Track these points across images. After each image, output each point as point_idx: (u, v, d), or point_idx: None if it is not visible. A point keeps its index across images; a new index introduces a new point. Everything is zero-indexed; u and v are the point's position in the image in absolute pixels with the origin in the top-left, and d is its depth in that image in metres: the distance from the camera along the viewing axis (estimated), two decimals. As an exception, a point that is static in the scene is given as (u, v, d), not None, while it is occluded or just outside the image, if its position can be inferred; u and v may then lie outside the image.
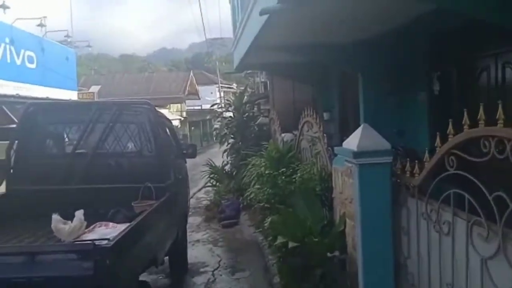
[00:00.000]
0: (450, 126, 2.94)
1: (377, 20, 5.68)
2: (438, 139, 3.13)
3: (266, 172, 5.97)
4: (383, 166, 3.87)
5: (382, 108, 7.63)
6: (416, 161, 3.50)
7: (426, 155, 3.35)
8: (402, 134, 6.70)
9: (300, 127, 7.10)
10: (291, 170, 5.75)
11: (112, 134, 5.75)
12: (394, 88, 7.67)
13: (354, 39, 6.99)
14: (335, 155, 4.77)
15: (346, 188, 4.40)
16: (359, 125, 7.69)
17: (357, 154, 3.87)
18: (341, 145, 4.49)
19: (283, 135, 8.44)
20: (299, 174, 5.45)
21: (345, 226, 4.50)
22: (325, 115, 9.96)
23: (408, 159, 3.68)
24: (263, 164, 6.24)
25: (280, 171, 5.80)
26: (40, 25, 18.44)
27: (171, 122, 7.42)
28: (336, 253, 4.45)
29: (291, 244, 4.46)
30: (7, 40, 15.61)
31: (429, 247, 3.27)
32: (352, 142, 4.04)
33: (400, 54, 6.89)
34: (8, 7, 15.74)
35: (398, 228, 3.80)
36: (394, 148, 4.14)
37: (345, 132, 8.91)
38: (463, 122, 2.74)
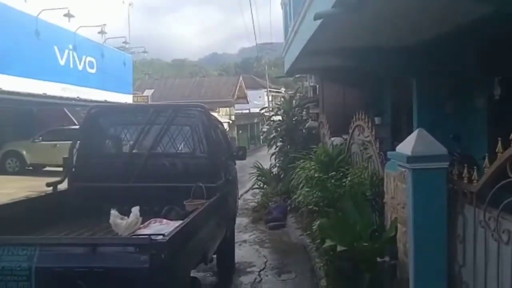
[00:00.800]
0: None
1: (433, 23, 5.53)
2: (499, 145, 3.01)
3: (315, 175, 5.95)
4: (439, 171, 3.76)
5: (437, 113, 7.40)
6: (474, 167, 3.38)
7: (486, 161, 3.22)
8: (458, 140, 6.46)
9: (350, 131, 7.01)
10: (341, 174, 5.69)
11: (167, 135, 5.98)
12: (450, 93, 7.43)
13: (408, 43, 6.83)
14: (388, 159, 4.68)
15: (399, 193, 4.31)
16: (412, 130, 7.54)
17: (411, 159, 3.79)
18: (393, 149, 4.41)
19: (332, 139, 8.36)
20: (349, 178, 5.39)
21: (396, 232, 4.41)
22: (377, 120, 9.77)
23: (465, 165, 3.56)
24: (312, 167, 6.22)
25: (329, 174, 5.76)
26: (101, 32, 19.48)
27: (222, 125, 7.58)
28: (386, 258, 4.35)
29: (339, 248, 4.42)
30: (71, 47, 16.63)
31: (487, 257, 3.14)
32: (406, 146, 3.96)
33: (457, 58, 6.65)
34: (72, 16, 16.74)
35: (453, 236, 3.68)
36: (450, 153, 4.01)
37: (397, 137, 8.70)
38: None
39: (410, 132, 7.57)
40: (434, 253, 3.71)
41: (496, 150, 3.06)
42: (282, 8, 12.46)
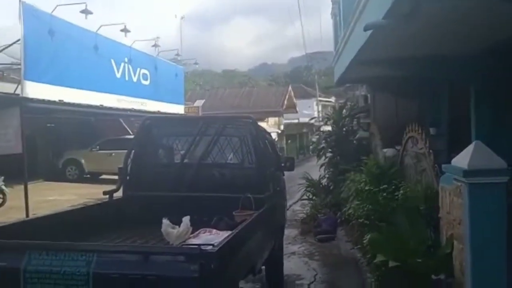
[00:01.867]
0: None
1: (493, 29, 5.27)
2: None
3: (366, 188, 5.82)
4: (498, 186, 3.59)
5: (498, 125, 7.02)
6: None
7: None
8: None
9: (403, 142, 6.80)
10: (393, 187, 5.53)
11: (216, 146, 6.11)
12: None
13: (467, 50, 6.54)
14: (443, 173, 4.50)
15: (455, 208, 4.12)
16: (470, 142, 7.20)
17: (468, 173, 3.63)
18: (449, 162, 4.24)
19: (384, 150, 8.14)
20: (402, 192, 5.22)
21: (452, 249, 4.21)
22: (432, 130, 9.38)
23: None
24: (363, 180, 6.09)
25: (381, 187, 5.61)
26: (155, 46, 20.22)
27: (271, 136, 7.62)
28: (442, 276, 4.17)
29: (391, 264, 4.29)
30: (126, 60, 17.40)
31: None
32: (463, 159, 3.80)
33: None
34: (129, 31, 17.55)
35: (514, 255, 3.47)
36: (510, 167, 3.79)
37: (454, 149, 8.30)
38: None
39: (468, 143, 7.26)
40: (493, 271, 3.53)
41: None
42: (332, 18, 12.39)
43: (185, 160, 6.19)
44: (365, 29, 4.81)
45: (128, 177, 6.02)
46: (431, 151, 5.47)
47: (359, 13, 6.26)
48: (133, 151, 6.21)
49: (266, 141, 6.67)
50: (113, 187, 5.96)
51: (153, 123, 6.57)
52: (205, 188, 5.75)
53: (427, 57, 6.99)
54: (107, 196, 5.68)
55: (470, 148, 3.81)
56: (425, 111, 10.30)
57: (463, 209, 3.78)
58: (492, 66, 6.64)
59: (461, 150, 4.10)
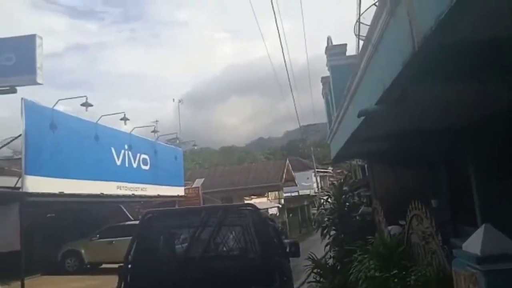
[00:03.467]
0: None
1: (480, 104, 5.43)
2: None
3: (376, 274, 5.61)
4: (514, 272, 3.44)
5: (501, 194, 6.95)
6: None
7: None
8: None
9: (408, 220, 6.69)
10: (403, 272, 5.33)
11: (218, 237, 5.98)
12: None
13: (457, 123, 6.69)
14: (453, 255, 4.36)
15: (472, 296, 3.93)
16: (474, 212, 7.09)
17: (481, 260, 3.51)
18: (456, 235, 4.13)
19: (389, 228, 7.99)
20: (413, 277, 5.02)
21: None
22: (433, 203, 9.30)
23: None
24: (372, 266, 5.89)
25: (391, 273, 5.41)
26: (154, 131, 20.68)
27: (274, 222, 7.51)
28: None
29: None
30: (126, 147, 17.70)
31: None
32: (474, 245, 3.70)
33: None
34: (128, 119, 18.05)
35: None
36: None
37: (459, 220, 8.18)
38: None
39: (472, 213, 7.15)
40: None
41: None
42: (323, 97, 12.81)
43: (187, 254, 6.03)
44: (359, 116, 4.93)
45: (129, 276, 5.82)
46: (438, 231, 5.34)
47: (350, 97, 6.47)
48: (133, 246, 6.06)
49: (270, 228, 6.56)
50: (114, 277, 5.73)
51: (154, 216, 6.50)
52: (210, 283, 5.55)
53: (421, 132, 7.11)
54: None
55: (479, 232, 3.72)
56: (424, 183, 10.29)
57: (482, 297, 3.60)
58: (487, 136, 6.74)
59: (466, 220, 4.02)
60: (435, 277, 4.88)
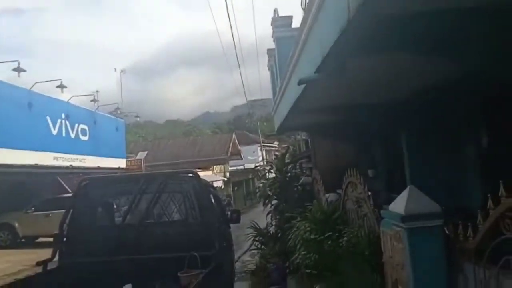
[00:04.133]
0: (502, 189, 2.84)
1: (413, 79, 5.70)
2: (490, 202, 3.01)
3: (312, 236, 5.85)
4: (434, 229, 3.72)
5: (429, 164, 7.44)
6: (469, 223, 3.34)
7: (479, 217, 3.20)
8: (453, 191, 6.45)
9: (344, 187, 6.99)
10: (337, 234, 5.60)
11: (158, 204, 5.94)
12: (441, 143, 7.51)
13: (394, 98, 7.00)
14: (382, 218, 4.64)
15: (396, 253, 4.22)
16: (405, 182, 7.53)
17: (405, 218, 3.76)
18: (389, 203, 4.38)
19: (327, 195, 8.31)
20: (346, 238, 5.29)
21: (398, 294, 4.27)
22: (370, 172, 9.78)
23: (459, 220, 3.53)
24: (308, 228, 6.13)
25: (326, 235, 5.67)
26: (93, 100, 19.87)
27: (215, 189, 7.55)
28: (391, 323, 4.19)
29: (342, 314, 4.25)
30: (63, 116, 16.89)
31: (492, 318, 3.03)
32: (399, 205, 3.94)
33: (444, 110, 6.79)
34: (65, 87, 17.21)
35: (455, 297, 3.57)
36: (444, 207, 3.98)
37: (393, 189, 8.67)
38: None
39: (404, 183, 7.61)
40: (437, 316, 3.59)
41: (488, 207, 3.05)
42: (269, 69, 12.87)
43: (126, 221, 5.94)
44: (299, 84, 5.02)
45: (64, 244, 5.66)
46: (370, 195, 5.64)
47: (292, 67, 6.55)
48: (69, 214, 5.88)
49: (211, 195, 6.60)
50: (50, 251, 5.56)
51: (91, 184, 6.30)
52: (149, 250, 5.53)
53: (359, 105, 7.38)
54: (41, 266, 5.27)
55: (405, 194, 3.97)
56: (362, 154, 10.76)
57: (404, 253, 3.88)
58: (418, 111, 7.12)
59: (400, 190, 4.28)
60: (365, 238, 5.17)
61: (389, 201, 6.54)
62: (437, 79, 5.52)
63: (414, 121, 7.47)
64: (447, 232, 3.73)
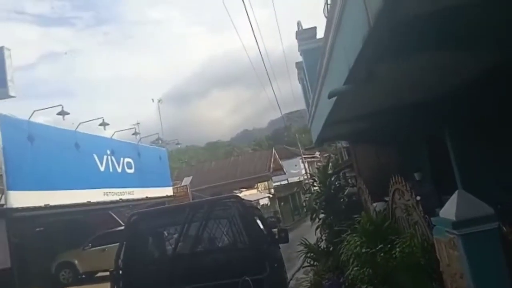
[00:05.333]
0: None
1: (448, 77, 5.52)
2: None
3: (363, 250, 5.70)
4: (490, 233, 3.55)
5: (479, 163, 7.11)
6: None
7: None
8: (509, 189, 6.10)
9: (391, 194, 6.80)
10: (389, 245, 5.43)
11: (206, 231, 6.01)
12: (487, 138, 7.18)
13: (431, 97, 6.79)
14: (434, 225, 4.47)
15: (453, 261, 4.04)
16: (455, 183, 7.23)
17: (457, 224, 3.60)
18: (441, 205, 4.22)
19: (374, 204, 8.11)
20: (398, 249, 5.12)
21: (460, 304, 4.06)
22: (417, 176, 9.47)
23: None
24: (358, 242, 5.99)
25: (377, 247, 5.51)
26: (135, 133, 20.52)
27: (260, 211, 7.56)
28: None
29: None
30: (109, 152, 17.55)
31: None
32: (449, 211, 3.79)
33: (485, 103, 6.51)
34: (107, 124, 17.87)
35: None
36: (500, 206, 3.79)
37: (443, 190, 8.34)
38: None
39: (453, 184, 7.30)
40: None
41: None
42: (299, 82, 12.86)
43: (177, 251, 6.06)
44: (329, 97, 4.98)
45: (120, 278, 5.83)
46: (418, 201, 5.45)
47: (322, 79, 6.52)
48: (123, 248, 6.07)
49: (256, 217, 6.62)
50: (109, 285, 5.74)
51: (140, 218, 6.49)
52: (201, 278, 5.59)
53: (395, 109, 7.20)
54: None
55: (454, 198, 3.81)
56: (407, 157, 10.46)
57: (462, 261, 3.70)
58: (461, 107, 6.86)
59: (451, 190, 4.11)
60: (419, 247, 4.99)
61: (441, 203, 6.32)
62: (472, 73, 5.32)
63: (456, 118, 7.20)
64: (505, 232, 3.54)
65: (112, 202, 17.29)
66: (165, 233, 6.61)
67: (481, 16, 3.37)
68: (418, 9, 2.94)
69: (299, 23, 11.31)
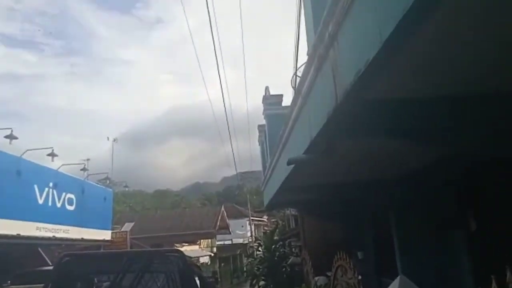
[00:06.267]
0: (494, 284, 2.77)
1: (400, 162, 5.78)
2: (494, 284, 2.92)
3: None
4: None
5: (419, 248, 7.30)
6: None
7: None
8: (444, 275, 6.26)
9: (333, 271, 6.79)
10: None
11: (140, 284, 5.67)
12: (430, 226, 7.43)
13: (382, 178, 7.06)
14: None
15: None
16: (395, 266, 7.33)
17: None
18: (378, 287, 4.23)
19: (316, 278, 8.05)
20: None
21: None
22: (359, 254, 9.56)
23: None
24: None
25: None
26: (83, 169, 19.72)
27: (201, 269, 7.29)
28: None
29: None
30: (51, 185, 16.62)
31: None
32: (390, 295, 3.81)
33: (431, 193, 6.81)
34: (56, 155, 17.09)
35: None
36: None
37: (382, 272, 8.43)
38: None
39: (394, 267, 7.41)
40: None
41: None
42: (259, 145, 13.06)
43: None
44: (288, 164, 5.06)
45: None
46: (360, 280, 5.47)
47: (282, 146, 6.66)
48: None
49: (196, 276, 6.35)
50: None
51: (72, 260, 6.05)
52: None
53: (347, 185, 7.40)
54: None
55: (396, 284, 3.85)
56: (351, 234, 10.60)
57: None
58: (406, 192, 7.14)
59: (389, 273, 4.15)
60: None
61: (380, 285, 6.34)
62: (423, 162, 5.61)
63: (403, 202, 7.45)
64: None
65: (43, 238, 16.09)
66: (96, 280, 6.16)
67: (438, 111, 3.61)
68: (383, 94, 3.12)
69: (266, 88, 11.70)
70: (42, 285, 5.71)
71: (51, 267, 15.63)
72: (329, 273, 7.76)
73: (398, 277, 3.91)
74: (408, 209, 7.39)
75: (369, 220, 9.66)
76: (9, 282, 17.09)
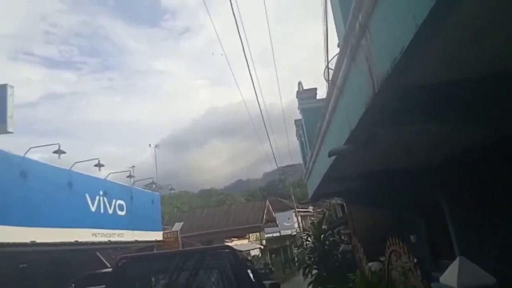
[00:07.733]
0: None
1: (445, 143, 5.63)
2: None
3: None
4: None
5: (476, 230, 7.08)
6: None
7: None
8: (504, 260, 6.03)
9: (387, 256, 6.72)
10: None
11: (196, 281, 5.85)
12: (483, 204, 7.19)
13: (426, 164, 6.89)
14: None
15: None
16: (451, 247, 7.14)
17: (457, 293, 3.56)
18: (437, 269, 4.17)
19: (369, 264, 7.98)
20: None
21: None
22: (412, 238, 9.38)
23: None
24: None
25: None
26: (129, 176, 20.41)
27: (252, 263, 7.42)
28: None
29: None
30: (101, 193, 17.37)
31: None
32: (451, 278, 3.76)
33: (481, 173, 6.57)
34: (102, 165, 17.79)
35: None
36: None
37: (438, 255, 8.23)
38: None
39: (450, 248, 7.22)
40: None
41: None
42: (297, 138, 13.05)
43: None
44: (329, 155, 5.06)
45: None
46: (416, 266, 5.38)
47: (321, 138, 6.64)
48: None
49: (248, 269, 6.47)
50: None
51: (129, 262, 6.31)
52: None
53: (393, 171, 7.27)
54: None
55: (455, 265, 3.79)
56: (402, 219, 10.40)
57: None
58: (456, 175, 6.92)
59: (446, 256, 4.08)
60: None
61: (437, 267, 6.23)
62: (470, 144, 5.44)
63: (453, 183, 7.24)
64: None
65: (100, 243, 16.88)
66: (153, 279, 6.43)
67: (478, 92, 3.51)
68: (422, 80, 3.07)
69: (300, 83, 11.67)
70: (103, 286, 6.00)
71: (110, 269, 16.39)
72: (382, 258, 7.68)
73: (458, 258, 3.84)
74: (459, 191, 7.18)
75: (419, 205, 9.46)
76: (73, 285, 18.05)
